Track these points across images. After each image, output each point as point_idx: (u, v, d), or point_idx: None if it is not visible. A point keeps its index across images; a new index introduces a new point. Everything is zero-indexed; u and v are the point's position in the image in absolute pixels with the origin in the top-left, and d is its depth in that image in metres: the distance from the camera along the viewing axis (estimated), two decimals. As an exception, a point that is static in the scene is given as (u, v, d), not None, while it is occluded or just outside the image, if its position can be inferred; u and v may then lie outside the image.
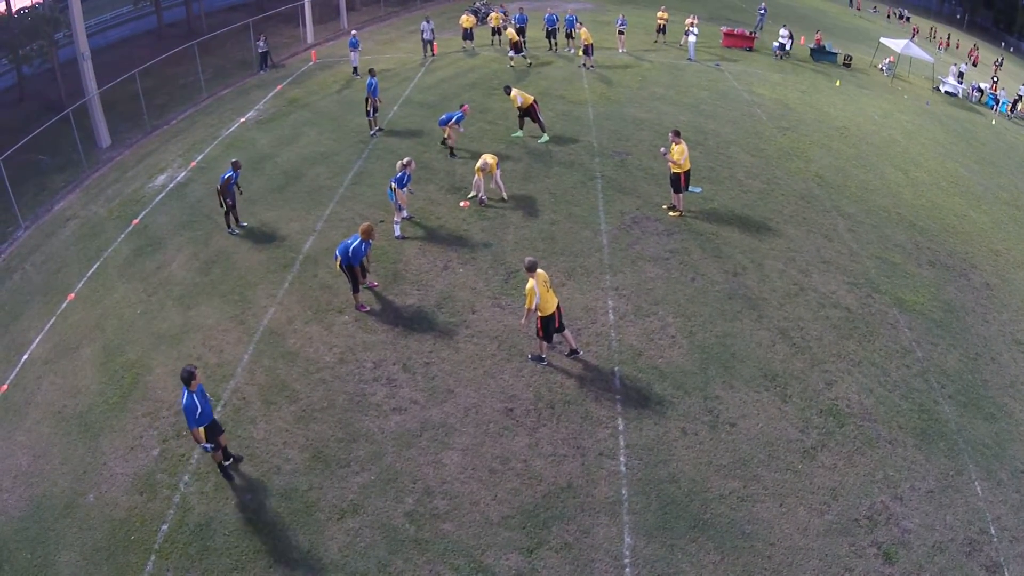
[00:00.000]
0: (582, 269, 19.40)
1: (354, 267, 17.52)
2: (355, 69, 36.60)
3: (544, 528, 12.85)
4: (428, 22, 39.45)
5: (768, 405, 15.34)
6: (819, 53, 42.47)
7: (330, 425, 15.03)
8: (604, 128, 28.01)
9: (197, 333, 18.04)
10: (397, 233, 21.04)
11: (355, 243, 17.22)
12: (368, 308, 18.26)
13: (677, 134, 21.17)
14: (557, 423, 14.77)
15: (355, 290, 18.03)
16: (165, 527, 13.42)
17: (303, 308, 18.52)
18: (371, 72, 28.15)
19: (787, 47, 41.21)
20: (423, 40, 39.18)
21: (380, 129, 28.51)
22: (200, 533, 13.24)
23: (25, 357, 18.70)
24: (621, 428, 14.65)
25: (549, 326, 15.64)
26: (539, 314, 15.39)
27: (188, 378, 13.10)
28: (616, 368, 16.06)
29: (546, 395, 15.43)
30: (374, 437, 14.68)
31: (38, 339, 19.31)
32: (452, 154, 25.87)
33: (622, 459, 14.04)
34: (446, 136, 26.03)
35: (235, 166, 21.84)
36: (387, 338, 17.30)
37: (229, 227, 22.26)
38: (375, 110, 27.97)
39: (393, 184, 20.49)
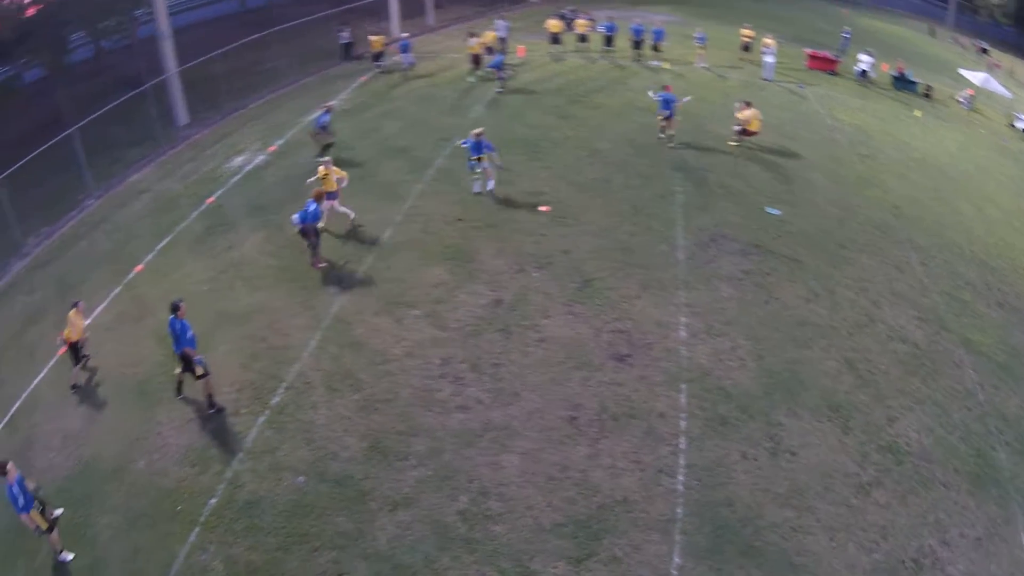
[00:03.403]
0: (657, 283, 19.17)
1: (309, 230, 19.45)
2: (404, 73, 36.42)
3: (595, 539, 12.74)
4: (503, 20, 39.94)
5: (829, 436, 15.03)
6: (900, 82, 41.64)
7: (392, 417, 15.09)
8: (686, 143, 27.57)
9: (264, 315, 18.23)
10: (491, 186, 23.18)
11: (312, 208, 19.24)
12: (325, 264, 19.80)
13: (748, 104, 25.47)
14: (620, 436, 14.63)
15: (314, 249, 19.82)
16: (213, 501, 13.61)
17: (374, 299, 18.59)
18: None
19: (869, 73, 40.48)
20: (499, 38, 38.90)
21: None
22: (248, 511, 13.38)
23: (87, 323, 18.92)
24: (683, 447, 14.47)
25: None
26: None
27: (175, 308, 15.42)
28: (683, 386, 15.86)
29: (611, 407, 15.29)
30: (435, 433, 14.71)
31: (102, 306, 19.68)
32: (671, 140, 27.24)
33: (680, 478, 13.86)
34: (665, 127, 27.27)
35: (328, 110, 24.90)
36: (457, 336, 17.31)
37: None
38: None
39: (474, 156, 22.70)
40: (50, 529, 13.06)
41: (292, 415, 15.28)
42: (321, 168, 21.63)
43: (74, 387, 17.36)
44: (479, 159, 22.81)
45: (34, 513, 12.76)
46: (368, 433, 14.74)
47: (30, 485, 13.04)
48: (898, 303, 19.43)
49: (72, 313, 17.27)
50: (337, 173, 21.67)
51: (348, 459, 14.24)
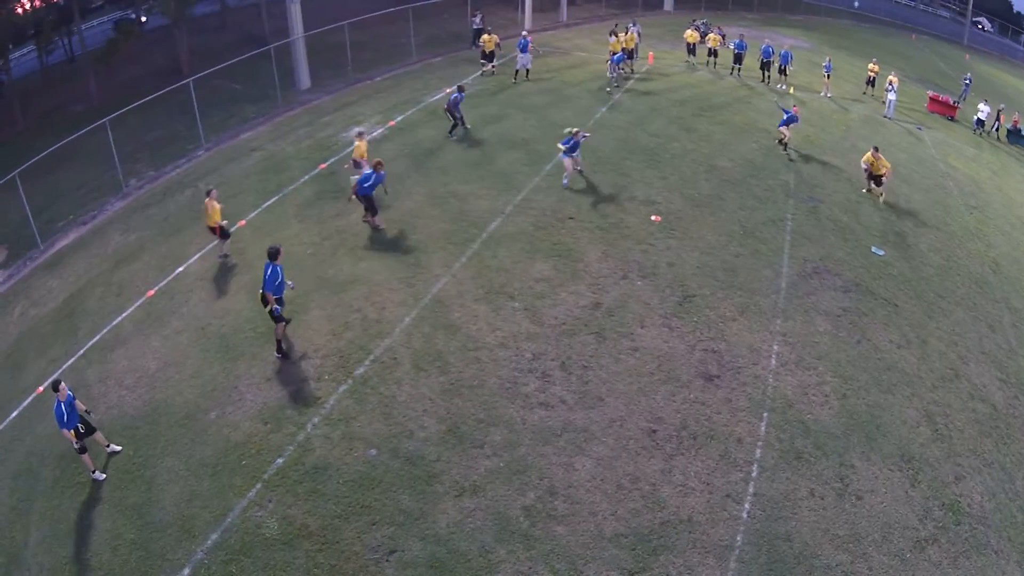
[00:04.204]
0: (756, 308, 19.06)
1: (369, 196, 20.44)
2: (518, 73, 34.94)
3: (652, 555, 12.80)
4: (635, 24, 39.66)
5: (896, 486, 14.80)
6: (1015, 136, 40.47)
7: (474, 404, 15.34)
8: (802, 171, 27.28)
9: (362, 286, 18.67)
10: (564, 183, 23.82)
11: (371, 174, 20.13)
12: (383, 226, 20.86)
13: (876, 149, 25.56)
14: (695, 455, 14.66)
15: (374, 214, 20.87)
16: (280, 460, 14.02)
17: (475, 285, 18.84)
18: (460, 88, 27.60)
19: (986, 123, 39.43)
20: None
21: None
22: (314, 475, 13.75)
23: (180, 269, 19.77)
24: (754, 475, 14.44)
25: None
26: None
27: (275, 254, 15.91)
28: (766, 414, 15.80)
29: (692, 425, 15.31)
30: (514, 426, 14.90)
31: (198, 255, 20.40)
32: (786, 148, 28.43)
33: (746, 506, 13.83)
34: (782, 137, 28.26)
35: (460, 88, 26.40)
36: (552, 333, 17.44)
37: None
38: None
39: (561, 146, 23.42)
40: (82, 450, 14.02)
41: (374, 388, 15.64)
42: (357, 140, 22.62)
43: (224, 256, 19.75)
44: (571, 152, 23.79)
45: (73, 432, 13.78)
46: (447, 416, 15.03)
47: (80, 407, 14.12)
48: (985, 362, 18.99)
49: (207, 201, 19.09)
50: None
51: (423, 439, 14.54)
